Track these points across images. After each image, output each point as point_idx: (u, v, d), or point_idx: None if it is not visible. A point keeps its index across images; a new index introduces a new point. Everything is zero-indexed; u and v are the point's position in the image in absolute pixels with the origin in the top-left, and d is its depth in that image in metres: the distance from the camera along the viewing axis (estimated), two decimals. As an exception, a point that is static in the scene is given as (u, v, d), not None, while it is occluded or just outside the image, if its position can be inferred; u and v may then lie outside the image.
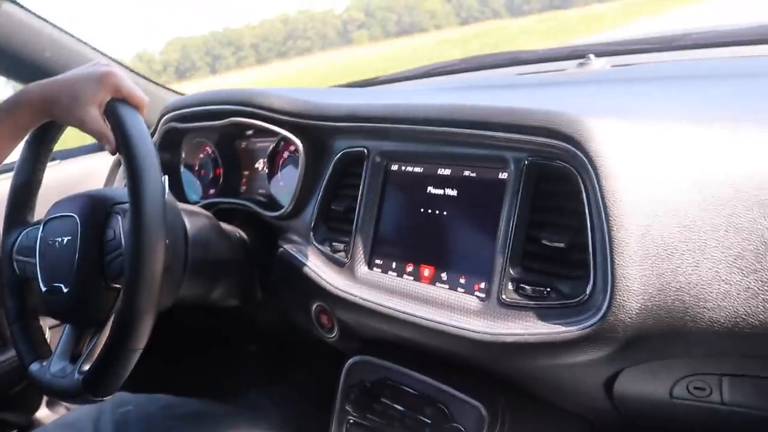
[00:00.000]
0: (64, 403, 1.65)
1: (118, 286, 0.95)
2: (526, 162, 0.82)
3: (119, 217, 0.96)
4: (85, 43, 1.57)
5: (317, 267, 1.05)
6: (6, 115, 0.96)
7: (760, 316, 0.69)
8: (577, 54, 1.39)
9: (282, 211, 1.14)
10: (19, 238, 1.07)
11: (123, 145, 0.90)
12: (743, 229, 0.70)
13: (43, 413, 1.64)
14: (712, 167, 0.73)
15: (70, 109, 0.94)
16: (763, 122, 0.77)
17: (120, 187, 0.98)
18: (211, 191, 1.36)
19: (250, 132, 1.30)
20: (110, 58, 1.64)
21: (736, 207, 0.70)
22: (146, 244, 0.86)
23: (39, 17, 1.47)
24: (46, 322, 1.29)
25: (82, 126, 0.95)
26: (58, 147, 1.11)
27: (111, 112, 0.93)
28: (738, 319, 0.70)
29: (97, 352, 0.94)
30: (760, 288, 0.69)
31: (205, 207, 1.24)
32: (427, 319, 0.88)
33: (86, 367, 0.93)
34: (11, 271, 1.07)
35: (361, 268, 1.00)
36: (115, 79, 0.94)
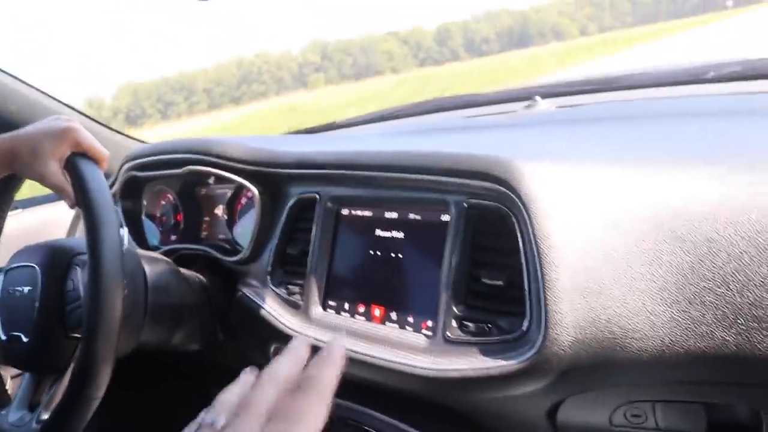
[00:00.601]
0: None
1: (77, 335, 0.97)
2: (466, 204, 0.86)
3: (79, 270, 0.99)
4: (51, 97, 1.60)
5: (274, 309, 1.08)
6: None
7: (684, 344, 0.73)
8: (525, 96, 1.45)
9: (240, 255, 1.17)
10: None
11: (82, 199, 0.92)
12: (666, 262, 0.74)
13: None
14: (636, 205, 0.77)
15: (31, 163, 0.96)
16: (687, 160, 0.82)
17: (81, 237, 1.00)
18: (172, 237, 1.38)
19: (210, 179, 1.33)
20: (75, 110, 1.67)
21: (658, 242, 0.75)
22: (104, 296, 0.88)
23: (3, 71, 1.50)
24: (8, 372, 1.30)
25: (42, 180, 0.97)
26: (20, 195, 1.13)
27: (71, 167, 0.95)
28: (664, 348, 0.74)
29: (56, 400, 0.95)
30: (682, 317, 0.73)
31: (166, 253, 1.26)
32: (378, 358, 0.91)
33: (45, 417, 0.94)
34: None
35: (316, 310, 1.03)
36: (75, 134, 0.96)
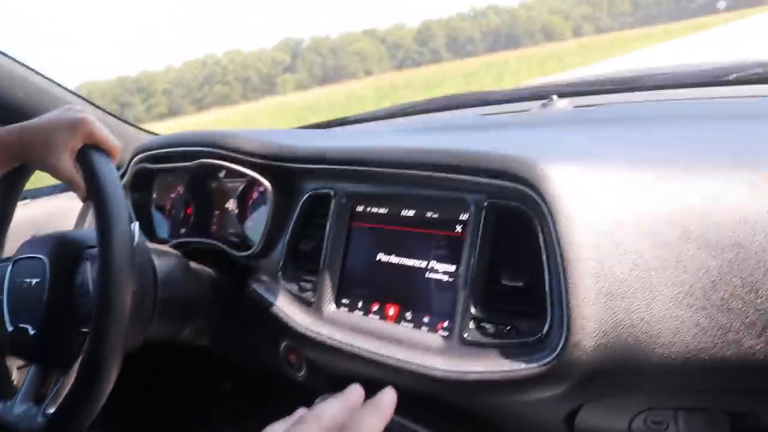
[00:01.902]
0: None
1: (85, 330, 0.96)
2: (486, 204, 0.84)
3: (88, 264, 0.97)
4: (59, 85, 1.58)
5: (285, 306, 1.06)
6: None
7: (710, 351, 0.72)
8: (541, 94, 1.43)
9: (251, 250, 1.15)
10: None
11: (94, 193, 0.91)
12: (691, 267, 0.73)
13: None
14: (662, 208, 0.76)
15: (42, 155, 0.94)
16: (712, 164, 0.80)
17: (90, 229, 0.99)
18: (182, 230, 1.37)
19: (221, 173, 1.32)
20: (83, 98, 1.65)
21: (685, 246, 0.73)
22: (113, 294, 0.86)
23: (10, 57, 1.49)
24: (14, 363, 1.28)
25: (54, 172, 0.95)
26: (29, 186, 1.12)
27: (83, 160, 0.94)
28: (689, 355, 0.72)
29: (62, 395, 0.94)
30: (709, 324, 0.71)
31: (175, 246, 1.25)
32: (392, 358, 0.89)
33: (50, 410, 0.93)
34: None
35: (328, 307, 1.01)
36: (88, 125, 0.94)
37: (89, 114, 0.96)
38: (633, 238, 0.74)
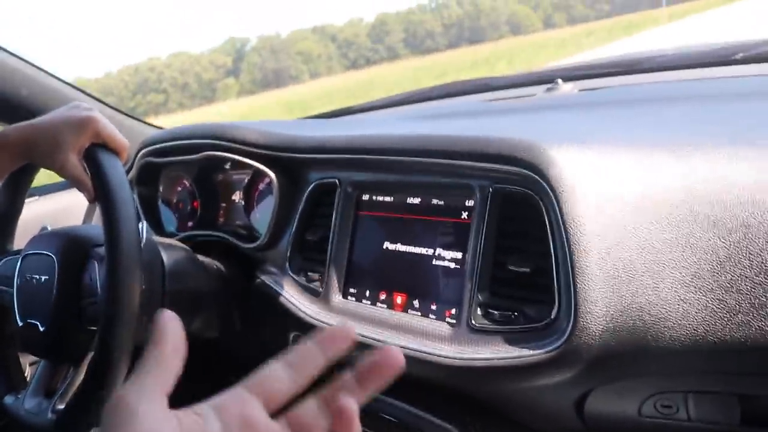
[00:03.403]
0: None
1: (94, 329, 0.96)
2: (491, 189, 0.84)
3: (96, 264, 0.97)
4: (63, 81, 1.59)
5: (293, 297, 1.06)
6: None
7: (719, 333, 0.71)
8: (546, 78, 1.42)
9: (258, 242, 1.15)
10: None
11: (101, 194, 0.90)
12: (699, 249, 0.72)
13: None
14: (668, 190, 0.75)
15: (50, 153, 0.93)
16: (719, 144, 0.80)
17: (98, 226, 0.99)
18: (189, 224, 1.37)
19: (227, 165, 1.32)
20: (89, 95, 1.65)
21: (692, 227, 0.72)
22: (121, 296, 0.87)
23: (15, 55, 1.49)
24: (26, 359, 1.29)
25: (61, 171, 0.95)
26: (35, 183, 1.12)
27: (90, 158, 0.93)
28: (698, 338, 0.72)
29: (72, 391, 0.95)
30: (718, 306, 0.71)
31: (182, 240, 1.25)
32: (400, 346, 0.89)
33: (60, 406, 0.94)
34: None
35: (336, 297, 1.01)
36: (96, 124, 0.94)
37: (96, 112, 0.96)
38: (639, 220, 0.73)
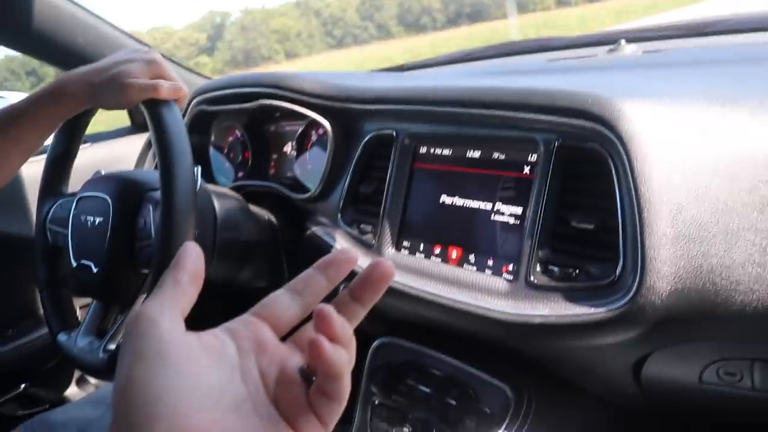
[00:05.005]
0: (93, 381, 1.68)
1: (146, 272, 0.97)
2: (557, 144, 0.81)
3: (150, 207, 0.97)
4: (118, 29, 1.59)
5: (345, 249, 1.05)
6: (48, 104, 0.96)
7: (793, 299, 0.68)
8: (608, 40, 1.38)
9: (310, 193, 1.15)
10: (53, 208, 1.09)
11: (159, 140, 0.90)
12: (777, 212, 0.69)
13: (72, 391, 1.67)
14: (745, 148, 0.72)
15: (117, 95, 0.93)
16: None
17: (153, 171, 0.99)
18: (240, 174, 1.37)
19: (278, 115, 1.31)
20: (144, 44, 1.65)
21: (770, 189, 0.69)
22: (175, 241, 0.87)
23: (72, 2, 1.49)
24: (77, 302, 1.31)
25: (126, 107, 0.96)
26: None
27: (149, 105, 0.93)
28: (770, 303, 0.69)
29: (122, 332, 0.95)
30: (794, 271, 0.68)
31: (234, 189, 1.25)
32: (455, 300, 0.88)
33: (111, 347, 0.95)
34: (44, 239, 1.10)
35: (389, 250, 1.00)
36: (159, 66, 0.94)
37: (159, 55, 0.96)
38: (714, 180, 0.70)
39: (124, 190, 1.01)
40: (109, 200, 0.99)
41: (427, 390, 0.97)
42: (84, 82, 0.94)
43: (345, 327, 0.41)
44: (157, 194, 0.94)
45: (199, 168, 0.97)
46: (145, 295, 0.93)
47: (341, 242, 1.07)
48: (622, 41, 1.32)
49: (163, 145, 0.90)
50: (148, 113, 0.93)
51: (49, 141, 1.07)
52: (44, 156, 1.12)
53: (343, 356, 0.39)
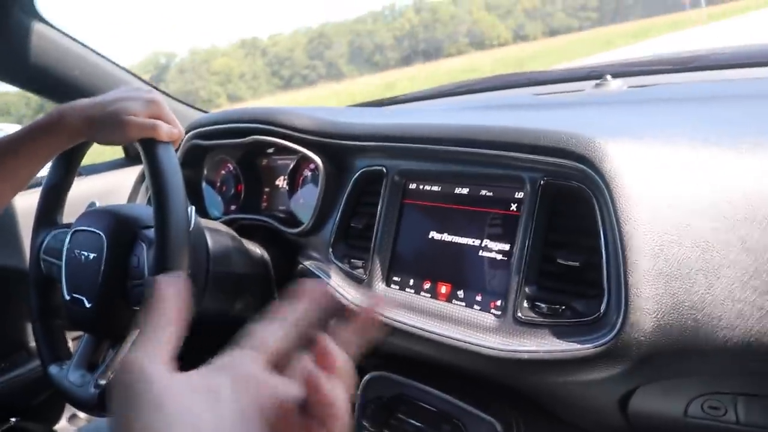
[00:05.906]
0: (84, 416, 1.68)
1: (138, 309, 0.97)
2: (542, 182, 0.83)
3: (144, 246, 0.98)
4: (115, 64, 1.61)
5: (336, 283, 1.07)
6: (45, 136, 0.97)
7: (774, 335, 0.70)
8: (594, 74, 1.40)
9: (302, 227, 1.16)
10: (47, 239, 1.11)
11: (153, 179, 0.92)
12: (756, 249, 0.71)
13: (63, 425, 1.66)
14: (726, 187, 0.74)
15: (113, 131, 0.94)
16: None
17: (147, 207, 1.00)
18: (232, 207, 1.38)
19: (271, 150, 1.32)
20: (142, 80, 1.67)
21: (750, 227, 0.71)
22: None
23: (69, 36, 1.51)
24: (69, 335, 1.31)
25: (122, 144, 0.96)
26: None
27: (146, 143, 0.94)
28: (752, 339, 0.71)
29: (113, 369, 0.96)
30: (774, 308, 0.70)
31: (226, 223, 1.26)
32: (444, 336, 0.89)
33: (102, 381, 0.95)
34: (38, 269, 1.11)
35: (379, 285, 1.01)
36: (158, 106, 0.95)
37: (159, 94, 0.97)
38: (694, 217, 0.72)
39: (118, 227, 1.01)
40: (103, 236, 1.00)
41: (418, 424, 0.98)
42: (83, 115, 0.95)
43: (342, 359, 0.42)
44: (151, 233, 0.95)
45: (193, 208, 0.98)
46: (138, 331, 0.94)
47: (332, 277, 1.08)
48: (608, 76, 1.35)
49: (157, 185, 0.91)
50: (144, 152, 0.94)
51: (43, 172, 1.08)
52: (38, 188, 1.14)
53: (340, 389, 0.40)
